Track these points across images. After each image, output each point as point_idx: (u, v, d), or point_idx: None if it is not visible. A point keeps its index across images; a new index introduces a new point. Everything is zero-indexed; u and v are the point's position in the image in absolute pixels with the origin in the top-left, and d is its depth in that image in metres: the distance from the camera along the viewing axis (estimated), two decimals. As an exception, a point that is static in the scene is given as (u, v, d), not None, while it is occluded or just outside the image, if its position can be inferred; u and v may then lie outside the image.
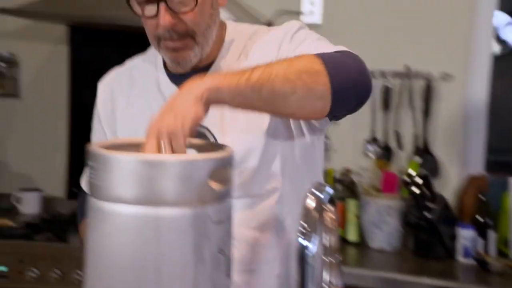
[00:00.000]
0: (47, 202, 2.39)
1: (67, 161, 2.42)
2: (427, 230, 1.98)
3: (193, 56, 0.99)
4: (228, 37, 1.06)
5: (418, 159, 2.19)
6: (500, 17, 3.51)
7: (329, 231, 0.73)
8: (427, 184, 2.02)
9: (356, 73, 0.90)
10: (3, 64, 2.36)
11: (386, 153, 2.25)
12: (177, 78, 1.03)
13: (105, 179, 0.72)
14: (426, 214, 1.97)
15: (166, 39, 0.96)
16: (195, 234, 0.71)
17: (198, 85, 0.80)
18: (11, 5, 2.10)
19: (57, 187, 2.45)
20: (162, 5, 0.93)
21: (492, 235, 2.00)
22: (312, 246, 0.64)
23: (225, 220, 0.75)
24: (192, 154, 0.83)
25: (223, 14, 2.19)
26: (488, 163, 2.26)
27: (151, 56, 1.11)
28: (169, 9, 0.93)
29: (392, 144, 2.26)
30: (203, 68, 1.03)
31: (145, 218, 0.71)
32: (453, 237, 2.01)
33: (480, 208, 2.05)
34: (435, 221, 1.97)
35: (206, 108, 0.80)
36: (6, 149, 2.47)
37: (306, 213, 0.65)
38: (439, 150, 2.24)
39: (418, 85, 2.23)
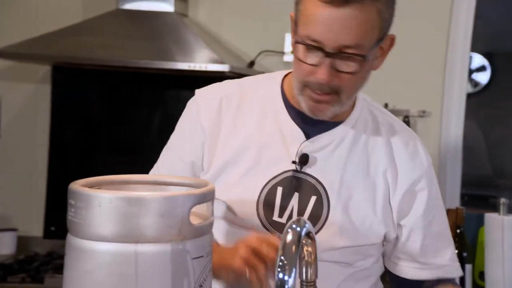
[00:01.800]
0: (23, 242, 2.34)
1: (45, 200, 2.40)
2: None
3: (331, 112, 0.99)
4: (358, 104, 1.07)
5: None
6: (474, 58, 3.65)
7: (308, 264, 0.74)
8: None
9: None
10: (-17, 104, 2.36)
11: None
12: (298, 115, 1.03)
13: (85, 216, 0.72)
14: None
15: (313, 89, 0.95)
16: (174, 270, 0.72)
17: None
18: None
19: (34, 227, 2.41)
20: (327, 60, 0.92)
21: (468, 268, 2.02)
22: (290, 280, 0.65)
23: (205, 255, 0.76)
24: (172, 191, 0.84)
25: (207, 55, 2.23)
26: (464, 196, 2.31)
27: (268, 82, 1.07)
28: (332, 66, 0.92)
29: (371, 179, 2.29)
30: (330, 123, 1.03)
31: (124, 255, 0.71)
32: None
33: (457, 241, 2.07)
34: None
35: None
36: (-17, 189, 2.44)
37: (284, 247, 0.66)
38: (416, 185, 2.27)
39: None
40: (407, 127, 1.13)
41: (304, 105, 0.99)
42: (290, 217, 1.00)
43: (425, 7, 2.28)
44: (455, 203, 2.24)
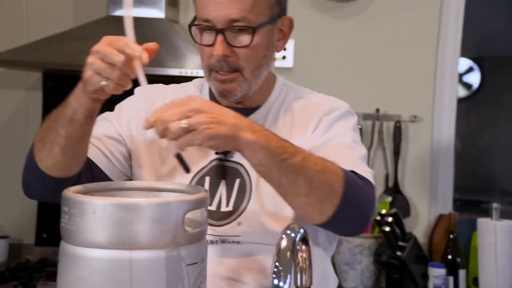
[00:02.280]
0: (15, 249, 2.33)
1: (37, 207, 2.38)
2: (399, 268, 1.99)
3: (239, 91, 1.03)
4: (277, 88, 1.11)
5: (389, 199, 2.23)
6: (463, 63, 3.67)
7: (302, 270, 0.74)
8: (398, 222, 2.04)
9: (364, 207, 0.95)
10: (-25, 111, 2.34)
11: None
12: None
13: (79, 223, 0.72)
14: (398, 253, 1.99)
15: (217, 70, 1.01)
16: (168, 277, 0.72)
17: (242, 117, 0.86)
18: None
19: (26, 234, 2.40)
20: (220, 36, 0.98)
21: (462, 273, 2.03)
22: (285, 286, 0.65)
23: (199, 262, 0.76)
24: (166, 197, 0.84)
25: (198, 61, 2.24)
26: (456, 201, 2.31)
27: (197, 85, 1.14)
28: (225, 41, 0.98)
29: (363, 184, 2.30)
30: (248, 109, 1.07)
31: (118, 262, 0.71)
32: (424, 276, 2.03)
33: (450, 246, 2.08)
34: (406, 260, 1.99)
35: (235, 143, 0.84)
36: (-26, 196, 2.43)
37: (279, 253, 0.66)
38: (409, 189, 2.29)
39: (388, 127, 2.29)
40: (328, 96, 1.13)
41: (213, 89, 1.04)
42: (219, 204, 1.03)
43: (414, 12, 2.30)
44: (448, 208, 2.24)
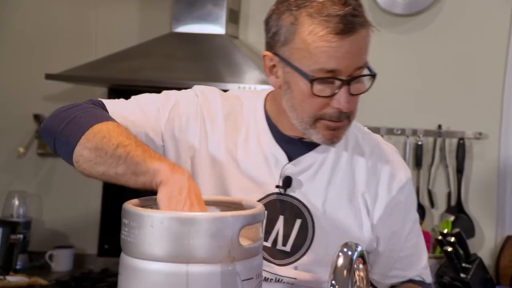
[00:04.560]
0: (79, 259, 2.41)
1: (100, 219, 2.46)
2: (462, 291, 1.91)
3: (343, 135, 0.98)
4: None
5: (451, 218, 2.15)
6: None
7: (359, 290, 0.72)
8: (461, 243, 1.97)
9: None
10: (43, 125, 2.45)
11: (418, 211, 2.22)
12: (280, 136, 1.01)
13: (138, 236, 0.73)
14: (462, 274, 1.91)
15: (330, 119, 0.94)
16: (224, 292, 0.72)
17: None
18: (55, 71, 2.21)
19: (89, 244, 2.48)
20: (345, 88, 0.91)
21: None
22: (342, 305, 0.64)
23: (255, 277, 0.76)
24: (222, 212, 0.84)
25: (257, 76, 2.23)
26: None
27: (252, 100, 1.07)
28: (349, 92, 0.92)
29: (425, 202, 2.23)
30: (310, 142, 1.00)
31: (175, 275, 0.72)
32: (490, 300, 1.94)
33: (518, 270, 1.98)
34: (470, 282, 1.90)
35: None
36: (42, 207, 2.53)
37: (336, 271, 0.65)
38: (473, 209, 2.20)
39: (451, 144, 2.22)
40: (386, 143, 1.09)
41: (318, 136, 0.97)
42: (275, 241, 0.99)
43: (482, 25, 2.22)
44: (516, 229, 2.14)
